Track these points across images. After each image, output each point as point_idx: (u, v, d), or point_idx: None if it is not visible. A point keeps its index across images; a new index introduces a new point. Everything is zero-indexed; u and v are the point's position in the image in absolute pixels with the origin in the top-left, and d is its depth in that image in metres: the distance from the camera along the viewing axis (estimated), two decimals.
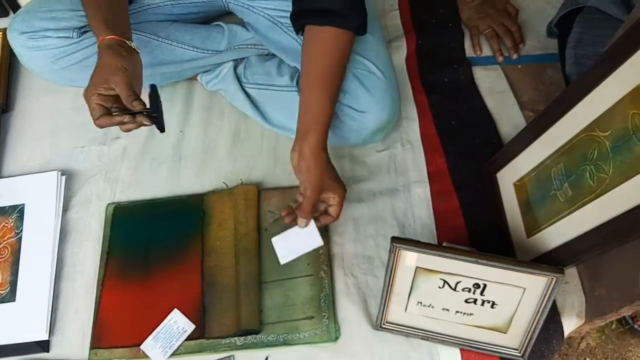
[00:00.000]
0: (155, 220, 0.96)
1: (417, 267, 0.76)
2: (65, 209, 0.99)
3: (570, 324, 0.83)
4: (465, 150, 0.97)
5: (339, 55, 0.83)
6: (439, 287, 0.77)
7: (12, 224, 0.96)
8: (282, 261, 0.84)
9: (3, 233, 0.95)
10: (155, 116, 0.78)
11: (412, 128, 1.01)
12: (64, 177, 1.00)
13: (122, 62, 0.78)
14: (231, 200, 0.96)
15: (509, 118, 1.00)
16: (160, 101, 0.80)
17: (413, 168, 0.98)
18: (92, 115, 0.78)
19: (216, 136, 1.05)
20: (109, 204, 0.99)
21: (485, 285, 0.74)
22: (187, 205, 0.97)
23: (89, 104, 0.78)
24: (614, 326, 1.24)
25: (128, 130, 0.80)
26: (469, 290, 0.76)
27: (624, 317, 1.23)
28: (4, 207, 0.98)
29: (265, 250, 0.91)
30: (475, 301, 0.77)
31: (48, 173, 1.00)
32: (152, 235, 0.94)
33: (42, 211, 0.97)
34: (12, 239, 0.95)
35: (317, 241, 0.84)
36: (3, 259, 0.93)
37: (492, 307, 0.76)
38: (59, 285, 0.92)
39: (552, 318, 0.82)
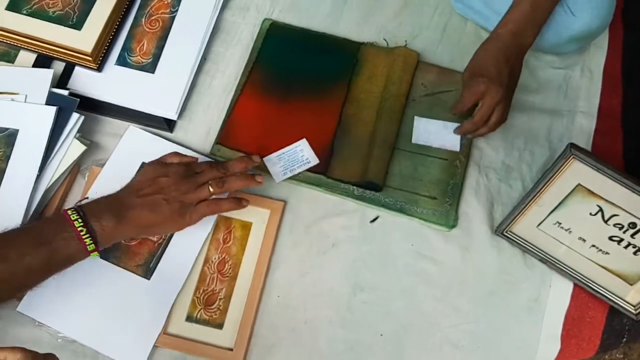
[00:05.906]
0: (307, 50, 0.92)
1: (578, 184, 0.71)
2: (222, 8, 0.95)
3: None
4: None
5: None
6: (590, 214, 0.72)
7: (170, 0, 0.94)
8: (414, 140, 0.86)
9: (159, 5, 0.93)
10: None
11: (597, 57, 0.93)
12: None
13: None
14: (388, 58, 0.91)
15: None
16: None
17: (584, 98, 0.90)
18: None
19: None
20: (265, 19, 0.95)
21: None
22: (343, 47, 0.93)
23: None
24: None
25: None
26: (620, 228, 0.71)
27: None
28: None
29: (406, 119, 0.87)
30: (619, 241, 0.72)
31: None
32: (300, 62, 0.91)
33: (201, 1, 0.94)
34: (166, 15, 0.92)
35: (455, 145, 0.85)
36: (153, 30, 0.91)
37: (634, 253, 0.72)
38: (197, 77, 0.90)
39: None
